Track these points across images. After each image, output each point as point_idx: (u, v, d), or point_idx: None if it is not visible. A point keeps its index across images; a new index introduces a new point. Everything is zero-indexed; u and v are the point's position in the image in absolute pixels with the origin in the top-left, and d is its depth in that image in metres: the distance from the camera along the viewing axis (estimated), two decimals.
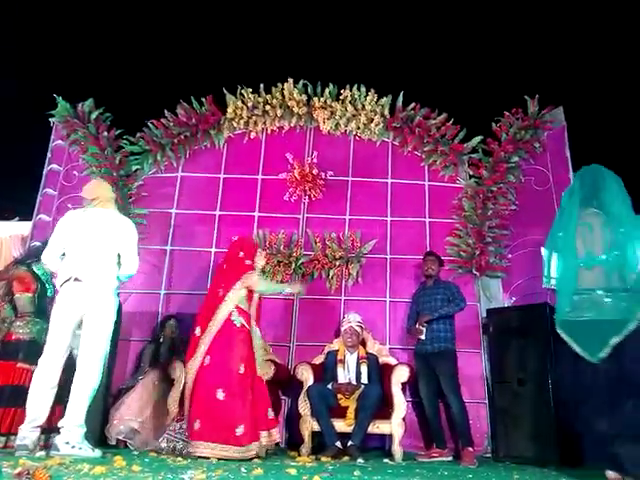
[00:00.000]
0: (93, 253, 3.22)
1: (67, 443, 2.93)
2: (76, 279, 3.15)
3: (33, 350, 3.41)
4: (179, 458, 3.14)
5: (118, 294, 3.45)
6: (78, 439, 2.98)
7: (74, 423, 2.99)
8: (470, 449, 3.87)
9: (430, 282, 4.42)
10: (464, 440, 3.94)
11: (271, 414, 3.53)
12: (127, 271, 3.37)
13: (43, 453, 2.89)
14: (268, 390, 3.63)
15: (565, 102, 5.47)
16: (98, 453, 2.99)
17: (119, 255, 3.32)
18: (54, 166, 5.39)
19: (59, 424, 2.99)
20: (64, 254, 3.28)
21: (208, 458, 3.11)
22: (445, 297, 4.26)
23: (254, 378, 3.47)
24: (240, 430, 3.21)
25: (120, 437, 3.90)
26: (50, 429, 3.24)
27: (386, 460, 3.75)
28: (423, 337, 4.16)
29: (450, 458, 4.02)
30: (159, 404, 4.01)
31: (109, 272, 3.27)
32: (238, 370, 3.37)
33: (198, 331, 3.55)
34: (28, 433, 2.94)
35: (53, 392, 3.06)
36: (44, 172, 5.36)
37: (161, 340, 4.50)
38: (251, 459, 3.17)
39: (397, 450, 3.83)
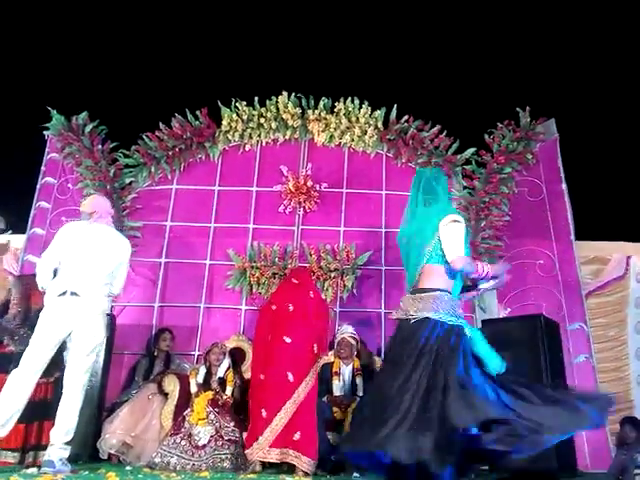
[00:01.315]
0: (91, 268, 3.16)
1: (60, 460, 2.89)
2: (73, 293, 3.07)
3: None
4: (173, 474, 3.11)
5: (112, 308, 3.42)
6: (67, 456, 2.95)
7: (66, 440, 2.95)
8: None
9: None
10: None
11: None
12: (113, 291, 3.35)
13: (35, 470, 2.85)
14: None
15: (557, 114, 5.53)
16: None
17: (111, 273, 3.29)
18: (48, 179, 5.39)
19: (51, 441, 2.94)
20: (56, 268, 3.21)
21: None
22: None
23: None
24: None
25: (112, 451, 3.84)
26: (39, 446, 3.20)
27: None
28: None
29: None
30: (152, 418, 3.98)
31: (104, 289, 3.23)
32: None
33: (316, 348, 3.71)
34: None
35: (23, 406, 2.96)
36: (38, 185, 5.36)
37: (155, 354, 4.47)
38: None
39: None
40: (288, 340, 3.58)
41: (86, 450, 3.73)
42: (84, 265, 3.16)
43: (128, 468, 3.52)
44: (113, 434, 3.86)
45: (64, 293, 3.07)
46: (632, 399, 4.76)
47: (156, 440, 3.84)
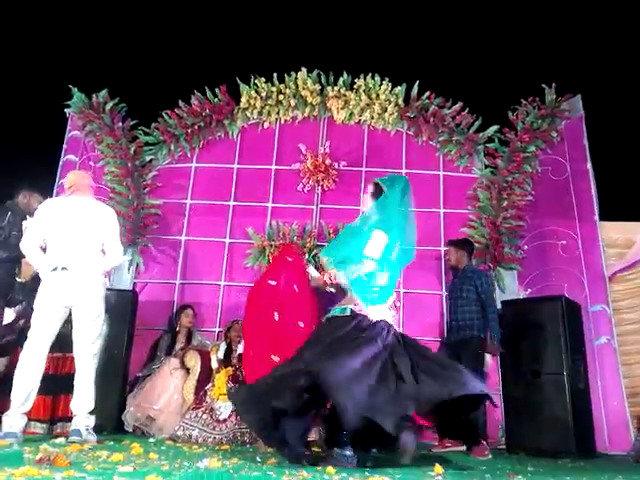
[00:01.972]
0: (77, 241, 3.16)
1: (86, 428, 2.98)
2: (63, 268, 3.09)
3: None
4: (195, 446, 3.19)
5: (134, 285, 3.43)
6: (92, 425, 3.03)
7: (88, 409, 3.03)
8: (483, 442, 3.85)
9: (460, 271, 4.30)
10: (478, 431, 3.92)
11: None
12: (112, 261, 3.31)
13: (63, 439, 2.94)
14: None
15: (583, 90, 5.37)
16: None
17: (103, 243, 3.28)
18: (70, 157, 5.44)
19: (74, 412, 3.02)
20: (44, 244, 3.21)
21: None
22: (472, 288, 4.11)
23: None
24: None
25: (137, 424, 3.97)
26: (66, 417, 3.29)
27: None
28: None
29: (463, 448, 4.01)
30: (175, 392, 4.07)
31: (95, 260, 3.21)
32: None
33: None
34: (16, 421, 2.91)
35: (39, 378, 3.03)
36: (60, 162, 5.42)
37: (177, 329, 4.55)
38: None
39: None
40: (302, 325, 3.60)
41: (110, 422, 3.85)
42: (68, 239, 3.16)
43: (151, 440, 3.62)
44: (137, 407, 3.98)
45: (55, 269, 3.10)
46: None
47: (178, 414, 3.94)
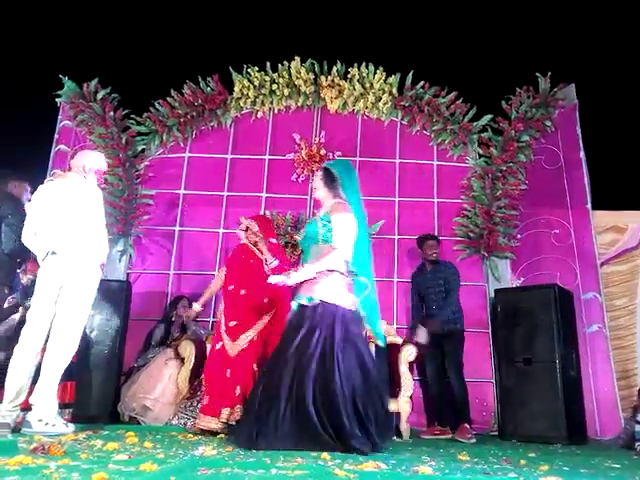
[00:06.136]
0: (66, 224, 3.06)
1: (40, 420, 2.82)
2: (53, 253, 3.02)
3: None
4: (190, 435, 3.20)
5: (128, 276, 3.38)
6: (51, 415, 2.86)
7: (47, 399, 2.87)
8: (466, 425, 3.94)
9: (430, 264, 4.43)
10: (462, 416, 4.01)
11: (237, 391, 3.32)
12: (103, 250, 3.18)
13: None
14: None
15: (577, 79, 5.36)
16: (72, 428, 2.89)
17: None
18: (62, 147, 5.39)
19: (30, 400, 2.88)
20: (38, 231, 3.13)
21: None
22: (442, 282, 4.29)
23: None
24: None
25: (132, 414, 3.97)
26: (69, 404, 3.27)
27: (393, 437, 3.80)
28: (423, 341, 4.14)
29: (451, 436, 4.07)
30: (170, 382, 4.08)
31: (85, 242, 3.09)
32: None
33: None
34: (9, 412, 2.84)
35: (34, 369, 2.93)
36: (52, 152, 5.37)
37: (172, 320, 4.55)
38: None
39: (405, 427, 3.89)
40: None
41: (105, 412, 3.85)
42: (56, 223, 3.08)
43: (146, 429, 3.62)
44: (133, 397, 3.99)
45: (46, 255, 3.04)
46: (636, 367, 4.80)
47: (173, 403, 3.96)
